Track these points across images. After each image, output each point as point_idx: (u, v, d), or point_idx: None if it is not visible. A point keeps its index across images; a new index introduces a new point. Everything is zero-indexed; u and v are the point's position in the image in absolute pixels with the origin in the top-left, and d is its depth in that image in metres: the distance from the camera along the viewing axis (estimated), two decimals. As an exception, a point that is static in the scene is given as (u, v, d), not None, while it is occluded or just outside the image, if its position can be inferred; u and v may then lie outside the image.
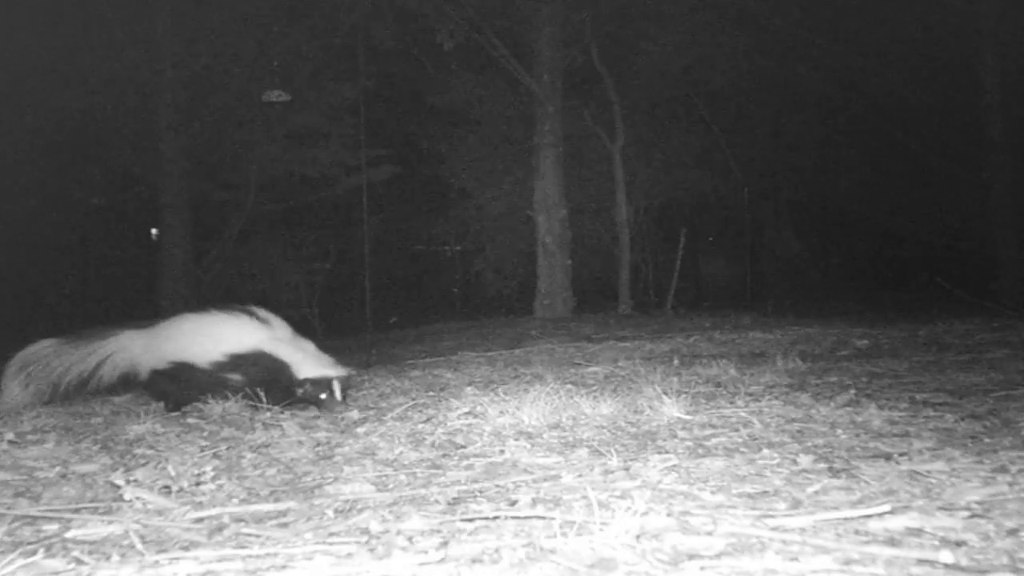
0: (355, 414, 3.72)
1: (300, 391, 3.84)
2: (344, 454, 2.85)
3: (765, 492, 2.09)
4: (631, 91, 12.88)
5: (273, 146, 13.52)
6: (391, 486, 2.36)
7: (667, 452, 2.58)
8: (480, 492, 2.22)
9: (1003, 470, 2.20)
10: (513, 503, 2.07)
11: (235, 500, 2.27)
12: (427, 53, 13.06)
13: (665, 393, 3.40)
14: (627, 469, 2.38)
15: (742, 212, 15.51)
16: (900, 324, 7.06)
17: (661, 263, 14.38)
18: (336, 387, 3.85)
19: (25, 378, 4.14)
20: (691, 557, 1.62)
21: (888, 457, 2.40)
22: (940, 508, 1.89)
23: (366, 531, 1.89)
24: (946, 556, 1.57)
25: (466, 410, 3.44)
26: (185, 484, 2.37)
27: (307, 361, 3.91)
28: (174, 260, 12.44)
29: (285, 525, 2.01)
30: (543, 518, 1.91)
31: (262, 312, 4.13)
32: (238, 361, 3.94)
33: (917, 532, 1.74)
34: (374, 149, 14.38)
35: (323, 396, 3.83)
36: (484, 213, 14.77)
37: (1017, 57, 12.36)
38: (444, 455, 2.75)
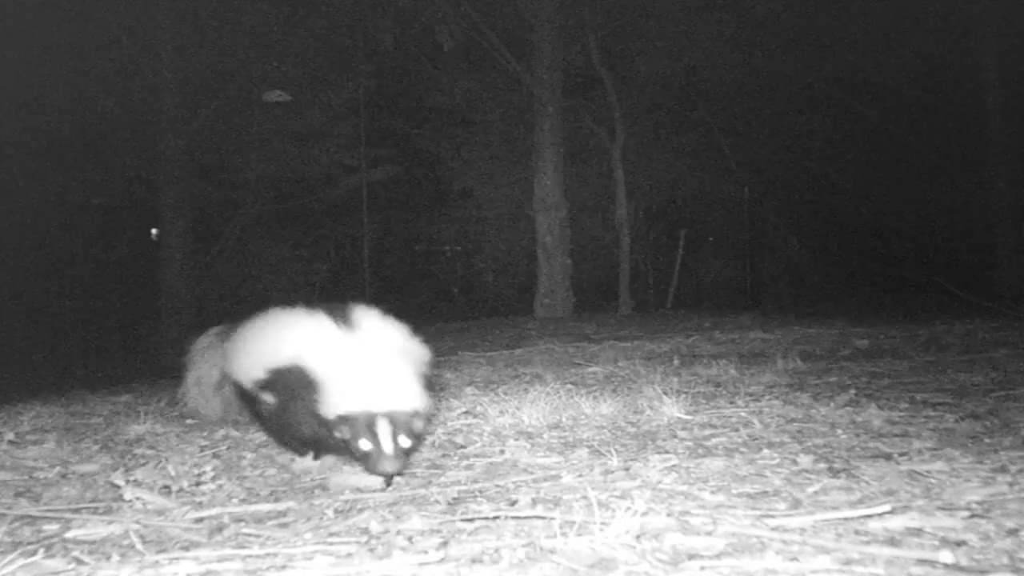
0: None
1: (334, 432, 2.37)
2: (344, 454, 2.85)
3: (765, 492, 2.09)
4: (631, 91, 12.90)
5: (273, 146, 13.53)
6: (391, 486, 2.36)
7: (667, 452, 2.58)
8: (480, 492, 2.22)
9: (1003, 470, 2.20)
10: (513, 503, 2.07)
11: (235, 500, 2.27)
12: (427, 53, 13.09)
13: (665, 393, 3.40)
14: (627, 469, 2.38)
15: (742, 212, 15.52)
16: (900, 324, 7.05)
17: (661, 263, 14.41)
18: (383, 430, 2.28)
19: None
20: (691, 557, 1.62)
21: (888, 457, 2.40)
22: (940, 508, 1.89)
23: (366, 531, 1.89)
24: (946, 556, 1.57)
25: (466, 410, 3.44)
26: (185, 484, 2.37)
27: (351, 384, 2.36)
28: (174, 260, 12.45)
29: (285, 525, 2.01)
30: (543, 518, 1.91)
31: (359, 309, 2.71)
32: (273, 379, 2.65)
33: (917, 532, 1.74)
34: (374, 149, 14.46)
35: (363, 445, 2.30)
36: (484, 213, 14.80)
37: (1017, 57, 12.37)
38: (444, 455, 2.75)
